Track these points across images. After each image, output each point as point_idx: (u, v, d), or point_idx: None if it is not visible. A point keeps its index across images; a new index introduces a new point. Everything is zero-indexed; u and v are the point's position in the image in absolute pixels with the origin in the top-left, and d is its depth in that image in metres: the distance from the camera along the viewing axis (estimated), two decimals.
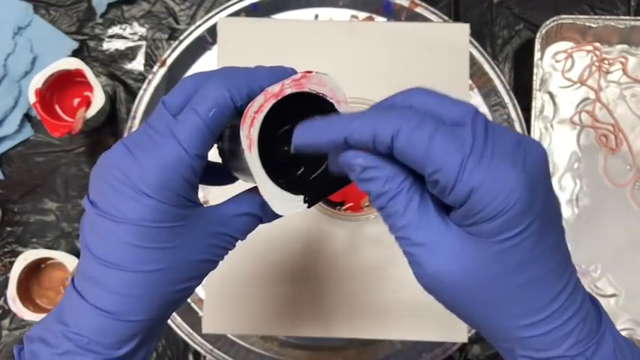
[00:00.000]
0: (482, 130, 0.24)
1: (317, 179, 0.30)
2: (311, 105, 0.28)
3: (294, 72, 0.29)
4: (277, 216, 0.30)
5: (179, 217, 0.26)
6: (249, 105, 0.27)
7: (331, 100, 0.29)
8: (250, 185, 0.30)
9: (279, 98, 0.27)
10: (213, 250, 0.29)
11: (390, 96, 0.26)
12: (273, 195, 0.28)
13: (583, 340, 0.26)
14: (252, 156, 0.27)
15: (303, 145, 0.26)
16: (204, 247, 0.28)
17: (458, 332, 0.53)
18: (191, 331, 0.55)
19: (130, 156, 0.26)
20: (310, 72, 0.28)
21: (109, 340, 0.27)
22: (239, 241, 0.30)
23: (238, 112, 0.27)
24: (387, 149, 0.24)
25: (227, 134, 0.29)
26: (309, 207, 0.29)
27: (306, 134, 0.26)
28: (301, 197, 0.29)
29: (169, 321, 0.55)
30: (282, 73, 0.28)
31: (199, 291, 0.56)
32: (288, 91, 0.27)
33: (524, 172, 0.23)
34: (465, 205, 0.23)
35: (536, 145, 0.25)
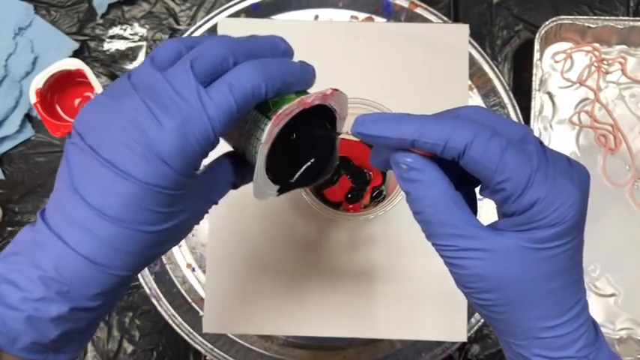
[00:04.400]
0: (542, 148, 0.26)
1: (295, 176, 0.33)
2: (316, 111, 0.30)
3: (314, 71, 0.31)
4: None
5: (184, 185, 0.27)
6: (283, 108, 0.28)
7: (336, 115, 0.32)
8: (227, 149, 0.32)
9: (307, 107, 0.29)
10: (200, 214, 0.30)
11: (449, 109, 0.28)
12: (262, 184, 0.31)
13: (588, 345, 0.28)
14: (263, 151, 0.29)
15: (366, 134, 0.27)
16: (195, 211, 0.29)
17: (457, 332, 0.53)
18: (191, 330, 0.55)
19: (149, 115, 0.25)
20: (337, 90, 0.30)
21: (92, 292, 0.27)
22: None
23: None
24: (456, 156, 0.26)
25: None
26: (277, 195, 0.33)
27: (374, 126, 0.27)
28: (276, 187, 0.32)
29: (170, 320, 0.55)
30: (310, 73, 0.30)
31: (199, 291, 0.56)
32: (315, 103, 0.30)
33: (580, 189, 0.26)
34: (527, 212, 0.26)
35: (582, 166, 0.28)
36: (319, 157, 0.33)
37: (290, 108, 0.28)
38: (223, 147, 0.31)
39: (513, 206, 0.26)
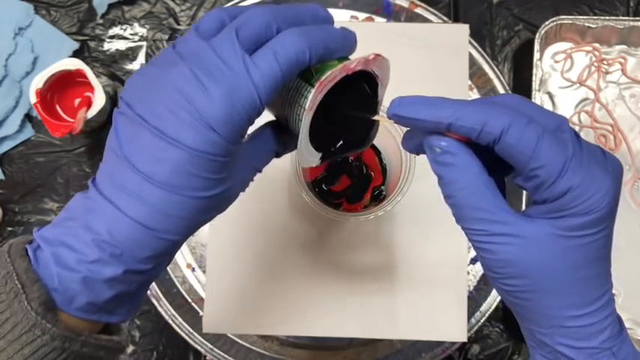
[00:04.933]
0: (577, 138, 0.27)
1: (338, 144, 0.33)
2: (357, 77, 0.30)
3: (355, 37, 0.31)
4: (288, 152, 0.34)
5: (231, 152, 0.27)
6: (326, 74, 0.28)
7: (378, 82, 0.32)
8: (270, 118, 0.33)
9: (349, 73, 0.29)
10: (245, 181, 0.31)
11: (486, 97, 0.28)
12: (306, 151, 0.31)
13: (612, 337, 0.29)
14: (307, 117, 0.29)
15: (403, 116, 0.27)
16: (240, 179, 0.30)
17: (458, 332, 0.53)
18: (191, 330, 0.55)
19: (196, 83, 0.26)
20: (379, 55, 0.30)
21: (143, 255, 0.27)
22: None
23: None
24: (491, 141, 0.26)
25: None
26: (321, 164, 0.33)
27: (411, 108, 0.27)
28: (319, 154, 0.32)
29: (170, 320, 0.55)
30: (352, 39, 0.30)
31: (199, 291, 0.56)
32: (358, 68, 0.29)
33: (614, 179, 0.26)
34: (560, 200, 0.26)
35: (616, 158, 0.28)
36: (360, 127, 0.34)
37: (333, 74, 0.28)
38: (266, 116, 0.31)
39: (546, 193, 0.26)
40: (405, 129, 0.30)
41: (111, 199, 0.27)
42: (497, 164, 0.28)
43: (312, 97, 0.28)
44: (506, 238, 0.27)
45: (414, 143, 0.30)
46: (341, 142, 0.33)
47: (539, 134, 0.25)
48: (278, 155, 0.33)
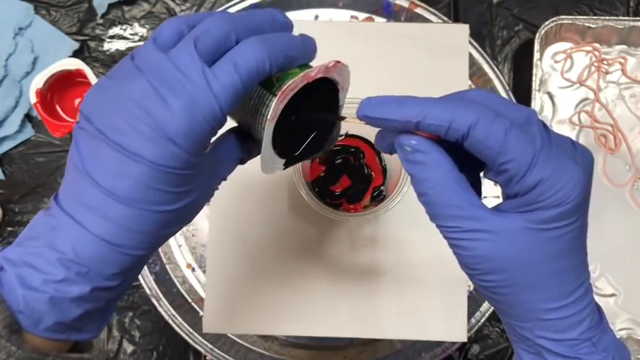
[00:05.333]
0: (545, 130, 0.27)
1: (300, 149, 0.34)
2: (318, 84, 0.30)
3: (315, 44, 0.31)
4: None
5: (193, 164, 0.27)
6: (287, 83, 0.28)
7: (339, 87, 0.32)
8: (231, 124, 0.32)
9: (310, 81, 0.29)
10: (210, 192, 0.31)
11: (454, 92, 0.29)
12: (270, 159, 0.31)
13: (592, 327, 0.29)
14: (269, 126, 0.29)
15: (371, 116, 0.28)
16: (205, 189, 0.30)
17: (457, 332, 0.53)
18: (191, 330, 0.55)
19: (156, 96, 0.25)
20: (339, 62, 0.31)
21: (110, 272, 0.27)
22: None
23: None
24: (460, 138, 0.26)
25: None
26: (284, 169, 0.33)
27: (379, 108, 0.27)
28: (282, 161, 0.32)
29: (170, 320, 0.55)
30: (311, 46, 0.30)
31: (199, 291, 0.56)
32: (318, 76, 0.30)
33: (584, 170, 0.26)
34: (530, 193, 0.26)
35: (586, 149, 0.28)
36: (322, 129, 0.34)
37: (294, 83, 0.28)
38: (228, 124, 0.31)
39: (517, 187, 0.26)
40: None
41: (74, 216, 0.26)
42: (469, 160, 0.28)
43: (274, 106, 0.28)
44: (480, 234, 0.27)
45: (386, 143, 0.30)
46: (303, 146, 0.33)
47: (506, 128, 0.25)
48: (242, 162, 0.33)
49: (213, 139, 0.29)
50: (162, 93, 0.25)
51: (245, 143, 0.32)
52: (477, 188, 0.29)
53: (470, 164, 0.29)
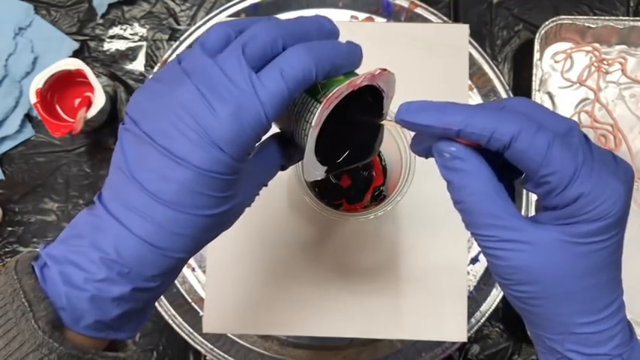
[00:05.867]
0: (587, 143, 0.26)
1: (342, 156, 0.34)
2: (363, 90, 0.30)
3: (361, 52, 0.31)
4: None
5: (238, 170, 0.27)
6: (332, 90, 0.28)
7: (384, 95, 0.32)
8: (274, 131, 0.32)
9: (355, 89, 0.29)
10: (251, 197, 0.31)
11: (494, 100, 0.28)
12: (311, 166, 0.31)
13: (622, 344, 0.29)
14: (313, 134, 0.29)
15: (411, 122, 0.27)
16: (246, 195, 0.30)
17: (458, 332, 0.53)
18: (191, 330, 0.55)
19: (203, 102, 0.26)
20: (385, 70, 0.31)
21: (151, 273, 0.27)
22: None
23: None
24: (501, 148, 0.26)
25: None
26: (325, 177, 0.33)
27: (419, 114, 0.27)
28: (324, 168, 0.32)
29: (170, 320, 0.55)
30: (357, 54, 0.30)
31: (199, 291, 0.56)
32: (364, 84, 0.29)
33: (625, 185, 0.26)
34: (570, 206, 0.26)
35: (627, 163, 0.28)
36: (364, 138, 0.34)
37: (339, 90, 0.28)
38: (271, 129, 0.31)
39: (556, 200, 0.26)
40: (412, 132, 0.30)
41: (118, 218, 0.27)
42: (506, 169, 0.28)
43: (318, 114, 0.28)
44: (516, 245, 0.27)
45: (423, 147, 0.29)
46: (346, 154, 0.33)
47: (549, 140, 0.25)
48: (283, 168, 0.33)
49: (257, 144, 0.29)
50: (210, 99, 0.26)
51: (286, 150, 0.32)
52: (512, 197, 0.29)
53: (506, 173, 0.28)
